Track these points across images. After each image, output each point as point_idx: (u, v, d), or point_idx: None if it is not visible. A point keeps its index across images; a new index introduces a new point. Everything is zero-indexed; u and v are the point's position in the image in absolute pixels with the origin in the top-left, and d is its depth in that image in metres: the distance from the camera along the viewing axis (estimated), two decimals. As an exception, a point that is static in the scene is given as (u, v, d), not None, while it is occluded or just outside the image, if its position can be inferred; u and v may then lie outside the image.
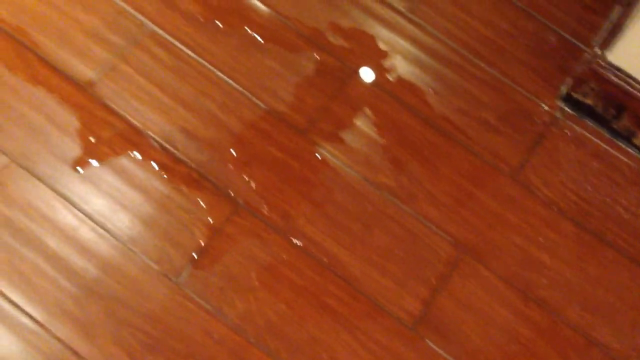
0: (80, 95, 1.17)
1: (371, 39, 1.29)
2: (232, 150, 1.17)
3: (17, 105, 1.14)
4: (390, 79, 1.25)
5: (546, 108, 1.25)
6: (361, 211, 1.15)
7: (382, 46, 1.28)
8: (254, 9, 1.27)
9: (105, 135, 1.15)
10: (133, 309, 1.04)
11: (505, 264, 1.12)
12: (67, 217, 1.09)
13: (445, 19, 1.31)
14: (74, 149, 1.13)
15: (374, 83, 1.25)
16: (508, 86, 1.26)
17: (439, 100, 1.24)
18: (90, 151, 1.14)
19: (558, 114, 1.25)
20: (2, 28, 1.19)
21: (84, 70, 1.19)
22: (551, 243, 1.14)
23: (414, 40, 1.29)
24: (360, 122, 1.22)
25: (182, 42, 1.23)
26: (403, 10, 1.31)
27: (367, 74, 1.25)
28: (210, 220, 1.11)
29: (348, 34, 1.28)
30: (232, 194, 1.13)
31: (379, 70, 1.26)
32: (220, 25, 1.26)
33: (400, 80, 1.25)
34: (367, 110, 1.23)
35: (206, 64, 1.22)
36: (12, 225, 1.07)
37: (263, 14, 1.27)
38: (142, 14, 1.24)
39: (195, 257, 1.08)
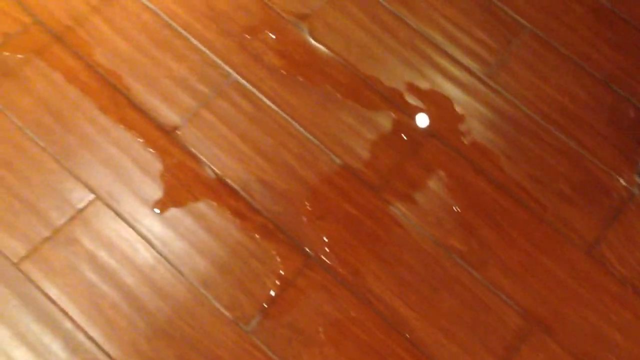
0: (165, 140, 1.21)
1: (448, 102, 1.31)
2: (306, 203, 1.19)
3: (106, 145, 1.19)
4: (465, 142, 1.27)
5: (623, 183, 1.24)
6: (430, 273, 1.15)
7: (458, 109, 1.30)
8: (334, 66, 1.31)
9: (186, 180, 1.19)
10: (203, 354, 1.06)
11: (576, 340, 1.11)
12: (145, 256, 1.12)
13: (524, 86, 1.32)
14: (156, 191, 1.17)
15: (449, 145, 1.26)
16: (585, 157, 1.26)
17: (513, 167, 1.25)
18: (170, 194, 1.17)
19: (636, 190, 1.24)
20: (98, 72, 1.25)
21: (170, 116, 1.23)
22: (624, 322, 1.12)
23: (490, 106, 1.30)
24: (433, 184, 1.23)
25: (264, 94, 1.27)
26: (481, 75, 1.33)
27: (442, 136, 1.27)
28: (282, 272, 1.13)
29: (425, 96, 1.30)
30: (305, 247, 1.15)
31: (454, 133, 1.27)
32: (302, 80, 1.29)
33: (475, 144, 1.26)
34: (441, 172, 1.24)
35: (286, 116, 1.26)
36: (94, 260, 1.11)
37: (343, 71, 1.31)
38: (228, 64, 1.29)
39: (266, 306, 1.10)
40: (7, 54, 1.23)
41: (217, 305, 1.10)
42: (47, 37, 1.26)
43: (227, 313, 1.09)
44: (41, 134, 1.19)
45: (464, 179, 1.24)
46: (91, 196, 1.16)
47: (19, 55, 1.23)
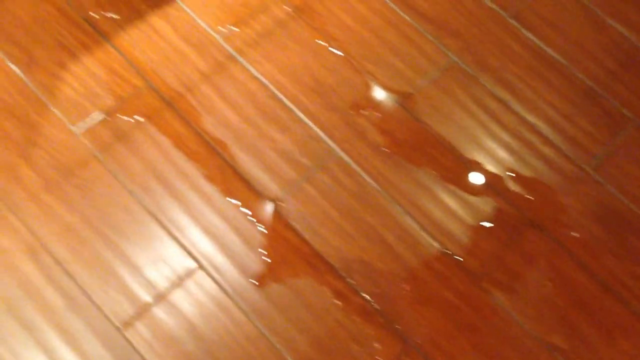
0: (267, 212, 1.22)
1: (551, 191, 1.29)
2: (406, 287, 1.18)
3: (209, 213, 1.20)
4: (568, 234, 1.24)
5: None
6: (532, 371, 1.12)
7: (561, 200, 1.28)
8: (437, 148, 1.31)
9: (287, 254, 1.18)
10: None
11: None
12: (244, 330, 1.12)
13: (630, 181, 1.30)
14: (256, 264, 1.17)
15: (551, 237, 1.24)
16: (693, 261, 1.22)
17: (618, 265, 1.22)
18: (271, 268, 1.17)
19: None
20: (206, 139, 1.26)
21: (273, 188, 1.24)
22: None
23: (595, 199, 1.28)
24: (534, 275, 1.20)
25: (366, 171, 1.27)
26: (586, 166, 1.31)
27: (544, 227, 1.25)
28: (379, 357, 1.11)
29: (528, 183, 1.29)
30: (403, 332, 1.14)
31: (557, 224, 1.25)
32: (404, 159, 1.29)
33: (578, 238, 1.24)
34: (542, 264, 1.21)
35: (387, 195, 1.25)
36: (193, 330, 1.10)
37: (446, 153, 1.30)
38: (332, 139, 1.30)
39: (364, 393, 1.08)
40: (120, 116, 1.26)
41: (314, 387, 1.08)
42: (158, 102, 1.29)
43: (324, 397, 1.08)
44: (148, 198, 1.20)
45: (566, 272, 1.21)
46: (193, 264, 1.16)
47: (131, 119, 1.26)
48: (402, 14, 1.44)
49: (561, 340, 1.15)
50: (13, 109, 1.23)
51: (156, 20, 1.36)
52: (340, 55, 1.38)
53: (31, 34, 1.30)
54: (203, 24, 1.37)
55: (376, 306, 1.16)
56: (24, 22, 1.31)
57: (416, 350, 1.13)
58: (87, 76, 1.28)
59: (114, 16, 1.35)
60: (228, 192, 1.23)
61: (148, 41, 1.33)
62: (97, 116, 1.25)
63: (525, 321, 1.16)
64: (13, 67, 1.27)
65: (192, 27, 1.36)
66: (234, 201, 1.22)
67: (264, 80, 1.33)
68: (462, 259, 1.21)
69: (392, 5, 1.45)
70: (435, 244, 1.22)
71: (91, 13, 1.34)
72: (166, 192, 1.21)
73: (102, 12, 1.35)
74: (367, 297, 1.16)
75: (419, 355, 1.12)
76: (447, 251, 1.21)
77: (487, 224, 1.24)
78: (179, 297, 1.13)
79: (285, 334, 1.12)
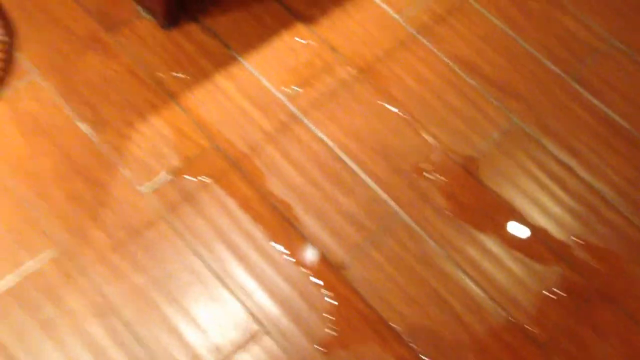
0: (332, 276, 1.21)
1: (620, 260, 1.26)
2: (471, 356, 1.16)
3: (275, 276, 1.20)
4: (638, 307, 1.21)
5: None
6: None
7: (632, 269, 1.25)
8: (502, 213, 1.29)
9: (352, 320, 1.17)
10: None
11: None
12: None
13: (701, 251, 1.27)
14: (322, 329, 1.16)
15: (621, 309, 1.21)
16: None
17: (691, 339, 1.19)
18: (336, 333, 1.16)
19: None
20: (270, 201, 1.27)
21: (337, 251, 1.23)
22: None
23: (664, 268, 1.25)
24: (603, 349, 1.18)
25: (430, 236, 1.26)
26: (654, 235, 1.29)
27: (613, 298, 1.22)
28: None
29: (595, 251, 1.27)
30: (473, 406, 1.11)
31: (626, 296, 1.23)
32: (468, 224, 1.28)
33: (649, 309, 1.21)
34: (612, 339, 1.19)
35: (451, 260, 1.24)
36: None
37: (511, 218, 1.29)
38: (396, 203, 1.29)
39: None
40: (186, 177, 1.27)
41: None
42: (224, 162, 1.30)
43: None
44: (213, 260, 1.20)
45: (638, 348, 1.18)
46: (258, 328, 1.16)
47: (197, 179, 1.27)
48: (464, 76, 1.44)
49: (634, 418, 1.12)
50: (83, 170, 1.25)
51: (222, 80, 1.38)
52: (404, 117, 1.38)
53: (101, 93, 1.33)
54: (268, 84, 1.39)
55: (443, 377, 1.14)
56: (94, 82, 1.33)
57: None
58: (155, 136, 1.30)
59: (181, 76, 1.37)
60: (292, 255, 1.22)
61: (214, 101, 1.35)
62: (163, 176, 1.26)
63: (597, 396, 1.14)
64: (83, 127, 1.29)
65: (257, 88, 1.38)
66: (298, 265, 1.22)
67: (328, 141, 1.34)
68: (529, 329, 1.19)
69: (454, 67, 1.45)
70: (502, 312, 1.20)
71: (159, 73, 1.36)
72: (231, 253, 1.21)
73: (170, 72, 1.37)
74: (434, 367, 1.15)
75: None
76: (513, 320, 1.19)
77: (555, 293, 1.22)
78: (244, 363, 1.13)
79: (352, 404, 1.11)
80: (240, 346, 1.14)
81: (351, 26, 1.48)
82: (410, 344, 1.16)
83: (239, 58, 1.41)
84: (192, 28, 1.43)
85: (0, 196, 1.20)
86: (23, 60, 1.34)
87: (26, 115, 1.29)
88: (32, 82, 1.32)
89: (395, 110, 1.39)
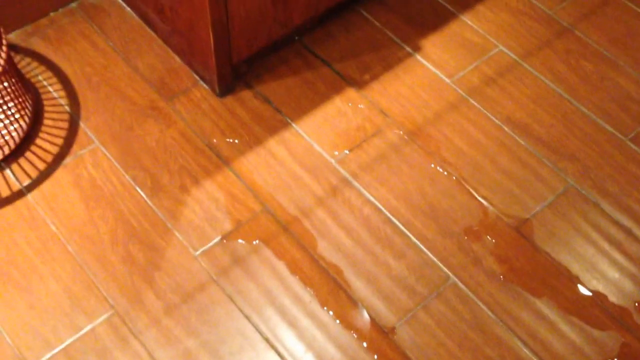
0: (381, 340, 1.20)
1: (683, 327, 1.21)
2: None
3: (324, 341, 1.19)
4: None
5: None
6: None
7: (696, 337, 1.20)
8: (558, 278, 1.26)
9: (402, 387, 1.15)
10: None
11: None
12: None
13: None
14: (371, 397, 1.15)
15: (688, 379, 1.15)
16: None
17: None
18: (385, 401, 1.14)
19: None
20: (321, 264, 1.27)
21: (387, 316, 1.22)
22: None
23: None
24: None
25: (482, 300, 1.24)
26: None
27: (679, 367, 1.16)
28: None
29: (658, 318, 1.22)
30: None
31: (694, 365, 1.17)
32: (522, 289, 1.25)
33: None
34: (679, 409, 1.13)
35: (505, 326, 1.21)
36: None
37: (567, 284, 1.26)
38: (447, 266, 1.28)
39: None
40: (238, 240, 1.29)
41: None
42: (275, 225, 1.31)
43: None
44: (264, 323, 1.21)
45: None
46: (308, 395, 1.15)
47: (248, 243, 1.29)
48: (516, 137, 1.43)
49: None
50: (139, 233, 1.29)
51: (274, 145, 1.41)
52: (455, 180, 1.38)
53: (158, 160, 1.37)
54: (319, 149, 1.41)
55: None
56: (152, 149, 1.39)
57: None
58: (208, 200, 1.33)
59: (235, 141, 1.41)
60: (342, 319, 1.22)
61: (266, 165, 1.38)
62: (216, 240, 1.29)
63: None
64: (140, 191, 1.34)
65: (309, 152, 1.40)
66: (348, 329, 1.21)
67: (378, 204, 1.34)
68: (589, 400, 1.14)
69: (506, 129, 1.45)
70: (559, 382, 1.16)
71: (213, 139, 1.41)
72: (281, 317, 1.21)
73: (224, 138, 1.41)
74: None
75: None
76: (572, 390, 1.15)
77: (615, 362, 1.18)
78: None
79: None
80: (289, 412, 1.13)
81: (401, 90, 1.50)
82: (463, 414, 1.13)
83: (291, 123, 1.44)
84: (246, 94, 1.48)
85: (60, 259, 1.25)
86: (86, 129, 1.41)
87: (87, 181, 1.34)
88: (93, 150, 1.38)
89: (446, 172, 1.38)
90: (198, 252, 1.27)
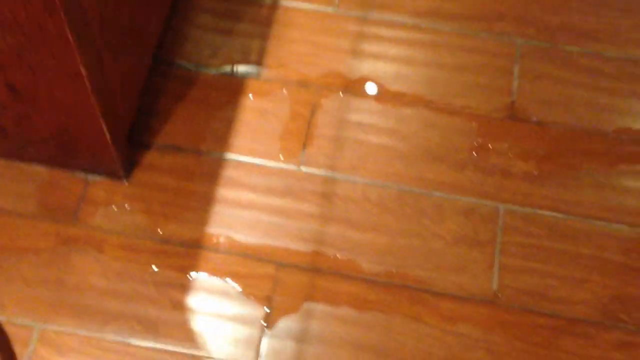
0: (492, 310, 1.06)
1: None
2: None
3: None
4: None
5: None
6: None
7: None
8: (584, 140, 1.18)
9: None
10: None
11: None
12: None
13: None
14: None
15: None
16: None
17: None
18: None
19: None
20: (380, 281, 1.08)
21: (476, 286, 1.08)
22: None
23: None
24: None
25: (542, 206, 1.13)
26: None
27: None
28: None
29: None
30: None
31: None
32: (562, 171, 1.16)
33: None
34: None
35: (578, 217, 1.12)
36: None
37: (594, 139, 1.18)
38: (486, 197, 1.14)
39: None
40: (282, 318, 1.05)
41: None
42: (303, 276, 1.08)
43: None
44: (378, 382, 1.01)
45: None
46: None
47: (295, 312, 1.05)
48: (439, 27, 1.27)
49: None
50: None
51: (225, 191, 1.14)
52: (424, 108, 1.20)
53: (118, 295, 1.05)
54: (273, 164, 1.16)
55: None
56: (101, 288, 1.05)
57: None
58: (216, 298, 1.06)
59: (184, 215, 1.11)
60: (449, 322, 1.05)
61: (235, 219, 1.11)
62: (262, 336, 1.03)
63: None
64: (136, 344, 1.02)
65: (266, 174, 1.15)
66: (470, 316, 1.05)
67: (377, 182, 1.15)
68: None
69: (423, 25, 1.28)
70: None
71: (158, 230, 1.10)
72: (389, 363, 1.02)
73: (168, 220, 1.11)
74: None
75: None
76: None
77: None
78: None
79: None
80: None
81: (299, 48, 1.26)
82: None
83: (222, 155, 1.16)
84: (152, 157, 1.16)
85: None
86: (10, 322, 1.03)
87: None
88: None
89: (410, 110, 1.20)
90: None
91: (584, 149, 1.17)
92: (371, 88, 1.21)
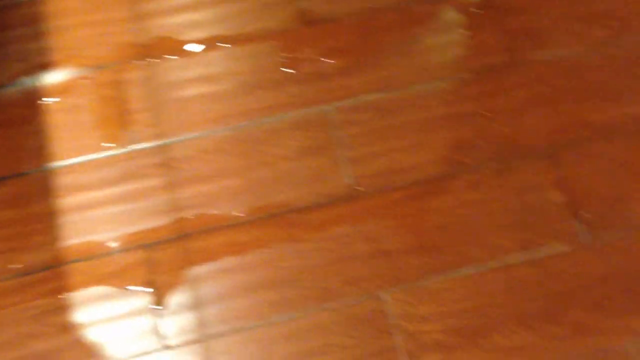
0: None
1: None
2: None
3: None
4: None
5: None
6: None
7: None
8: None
9: None
10: None
11: None
12: None
13: None
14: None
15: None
16: None
17: None
18: None
19: None
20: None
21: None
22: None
23: None
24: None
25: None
26: None
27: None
28: None
29: None
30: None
31: None
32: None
33: None
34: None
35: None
36: None
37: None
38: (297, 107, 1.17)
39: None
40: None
41: None
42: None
43: None
44: None
45: None
46: None
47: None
48: None
49: None
50: None
51: (65, 203, 1.10)
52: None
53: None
54: (88, 157, 1.13)
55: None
56: None
57: None
58: None
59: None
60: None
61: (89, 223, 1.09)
62: None
63: None
64: None
65: (89, 169, 1.12)
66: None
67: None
68: None
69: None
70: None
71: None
72: None
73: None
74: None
75: None
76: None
77: None
78: None
79: None
80: None
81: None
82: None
83: (45, 168, 1.12)
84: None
85: None
86: None
87: None
88: None
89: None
90: None
91: (380, 26, 1.21)
92: (167, 45, 1.20)
